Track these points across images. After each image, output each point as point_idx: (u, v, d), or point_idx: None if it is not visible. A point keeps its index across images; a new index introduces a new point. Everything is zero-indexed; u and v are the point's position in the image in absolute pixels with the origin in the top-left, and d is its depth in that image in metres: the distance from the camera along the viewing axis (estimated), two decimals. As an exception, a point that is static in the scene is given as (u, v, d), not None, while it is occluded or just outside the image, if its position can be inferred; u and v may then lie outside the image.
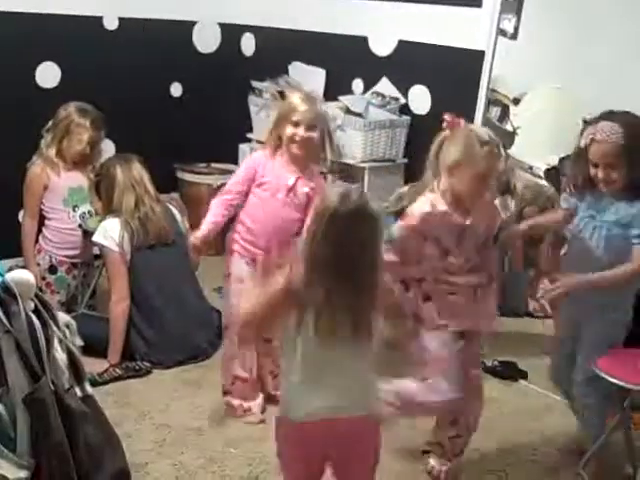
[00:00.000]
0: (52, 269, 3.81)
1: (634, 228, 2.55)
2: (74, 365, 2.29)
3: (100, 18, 4.51)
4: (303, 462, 2.08)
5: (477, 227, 2.62)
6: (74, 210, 3.83)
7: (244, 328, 2.22)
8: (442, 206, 2.55)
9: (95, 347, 3.26)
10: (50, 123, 3.77)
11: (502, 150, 2.56)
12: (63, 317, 2.32)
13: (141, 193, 3.59)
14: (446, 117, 2.61)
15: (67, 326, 2.27)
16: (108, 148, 4.59)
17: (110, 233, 3.48)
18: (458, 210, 2.57)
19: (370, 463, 2.12)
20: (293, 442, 2.07)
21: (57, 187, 3.78)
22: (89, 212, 3.86)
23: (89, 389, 2.33)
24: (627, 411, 2.64)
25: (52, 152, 3.75)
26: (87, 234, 3.74)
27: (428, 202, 2.56)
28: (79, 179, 3.85)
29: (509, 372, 3.63)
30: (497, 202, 4.35)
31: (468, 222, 2.59)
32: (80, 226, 3.82)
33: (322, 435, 2.02)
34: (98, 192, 3.69)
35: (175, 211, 3.76)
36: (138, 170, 3.62)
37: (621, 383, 2.44)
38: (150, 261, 3.54)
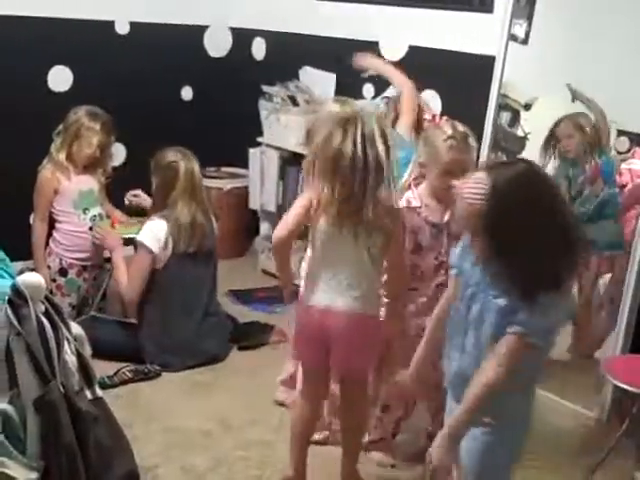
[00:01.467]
0: (62, 272, 3.82)
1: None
2: (84, 368, 2.29)
3: (112, 22, 4.54)
4: (307, 344, 2.51)
5: (456, 226, 2.63)
6: (84, 213, 3.84)
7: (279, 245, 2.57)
8: (416, 202, 2.65)
9: (105, 350, 3.27)
10: (60, 127, 3.79)
11: (470, 142, 2.61)
12: (74, 327, 2.32)
13: (199, 197, 3.56)
14: (427, 116, 2.67)
15: (75, 339, 2.27)
16: (119, 152, 4.62)
17: (157, 235, 3.44)
18: (436, 207, 2.64)
19: (368, 362, 2.51)
20: (302, 323, 2.52)
21: (67, 190, 3.79)
22: (99, 215, 3.88)
23: (99, 392, 2.34)
24: (636, 417, 2.63)
25: (62, 156, 3.76)
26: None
27: (405, 199, 2.66)
28: (90, 182, 3.87)
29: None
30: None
31: (445, 220, 2.65)
32: (91, 229, 3.83)
33: (320, 321, 2.43)
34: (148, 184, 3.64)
35: (214, 220, 3.71)
36: (198, 172, 3.58)
37: (630, 388, 2.43)
38: (183, 269, 3.52)
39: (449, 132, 2.58)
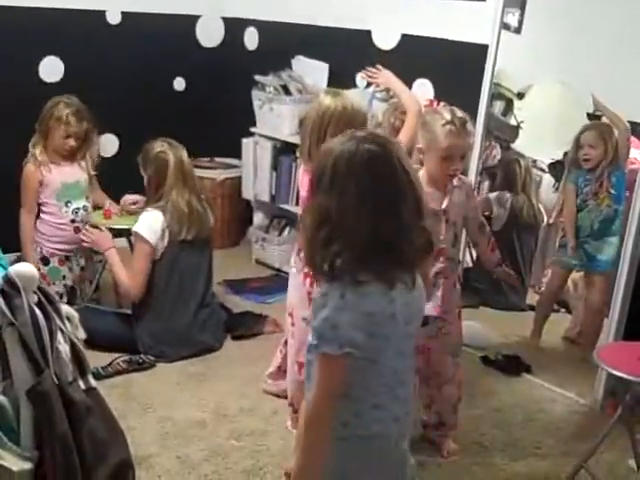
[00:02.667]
0: (44, 260, 3.81)
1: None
2: (78, 358, 2.28)
3: (103, 12, 4.52)
4: None
5: (453, 215, 2.69)
6: (66, 205, 3.82)
7: None
8: None
9: (99, 340, 3.27)
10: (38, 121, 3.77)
11: (468, 127, 2.62)
12: (65, 309, 2.31)
13: (191, 184, 3.56)
14: (425, 101, 2.66)
15: (68, 318, 2.26)
16: (111, 143, 4.62)
17: (153, 226, 3.44)
18: (435, 194, 2.64)
19: None
20: None
21: (51, 182, 3.78)
22: (84, 207, 3.87)
23: (93, 382, 2.33)
24: (629, 404, 2.63)
25: (39, 149, 3.75)
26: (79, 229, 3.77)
27: None
28: (76, 174, 3.85)
29: (512, 366, 3.62)
30: (492, 196, 4.40)
31: (443, 206, 2.66)
32: (73, 221, 3.81)
33: None
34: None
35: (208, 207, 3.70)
36: (187, 159, 3.57)
37: (623, 376, 2.43)
38: (180, 257, 3.51)
39: (448, 117, 2.58)
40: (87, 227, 3.75)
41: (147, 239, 3.44)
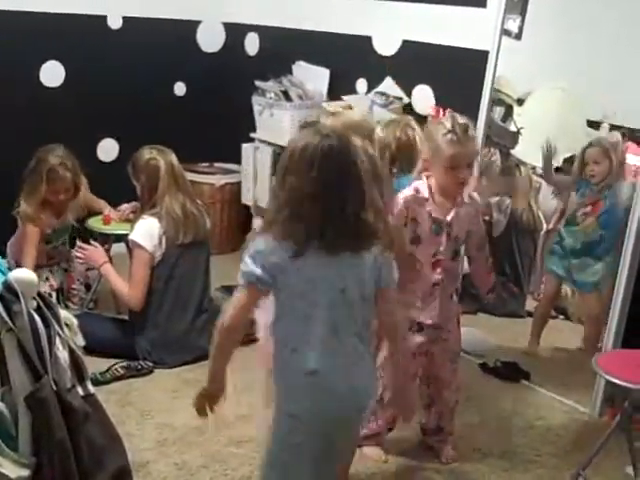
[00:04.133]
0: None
1: None
2: (76, 364, 2.29)
3: (104, 17, 4.53)
4: None
5: (456, 229, 2.67)
6: (47, 244, 3.85)
7: None
8: (424, 193, 2.65)
9: (98, 347, 3.26)
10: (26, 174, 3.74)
11: (470, 133, 2.59)
12: (64, 315, 2.32)
13: (184, 187, 3.56)
14: (430, 109, 2.66)
15: (67, 324, 2.27)
16: (111, 148, 4.62)
17: (150, 233, 3.44)
18: (442, 203, 2.63)
19: None
20: None
21: (44, 230, 3.81)
22: (63, 242, 3.93)
23: (91, 388, 2.33)
24: (627, 411, 2.63)
25: (32, 209, 3.72)
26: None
27: (413, 188, 2.66)
28: (67, 220, 3.90)
29: (511, 373, 3.62)
30: (492, 201, 4.40)
31: (448, 218, 2.64)
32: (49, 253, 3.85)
33: None
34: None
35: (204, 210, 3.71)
36: (177, 163, 3.57)
37: (621, 383, 2.43)
38: (177, 262, 3.51)
39: (448, 126, 2.56)
40: (80, 243, 3.75)
41: (144, 247, 3.44)
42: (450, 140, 2.54)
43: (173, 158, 3.55)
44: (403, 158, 2.99)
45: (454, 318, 2.85)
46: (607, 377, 2.47)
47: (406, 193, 2.66)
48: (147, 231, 3.45)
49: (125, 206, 3.97)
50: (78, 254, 3.70)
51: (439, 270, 2.67)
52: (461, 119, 2.61)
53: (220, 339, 2.07)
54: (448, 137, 2.54)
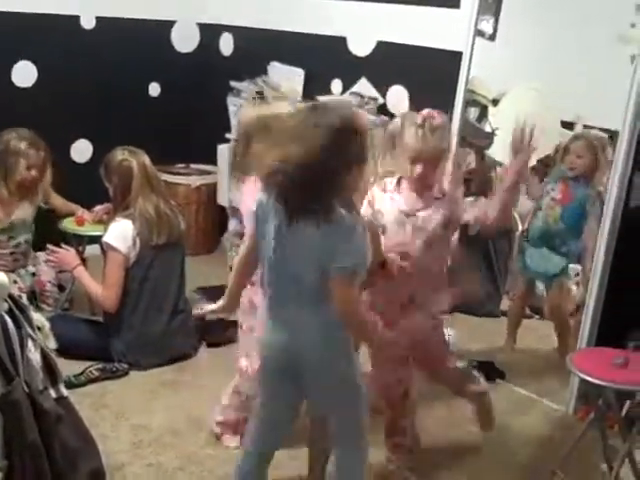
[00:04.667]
0: None
1: None
2: (49, 366, 2.27)
3: (77, 17, 4.49)
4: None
5: (421, 220, 2.65)
6: (8, 240, 3.79)
7: None
8: (390, 186, 2.67)
9: (72, 349, 3.26)
10: None
11: (438, 133, 2.58)
12: (36, 318, 2.30)
13: (157, 188, 3.53)
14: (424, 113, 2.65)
15: (39, 327, 2.24)
16: (85, 148, 4.59)
17: (124, 235, 3.41)
18: (409, 195, 2.63)
19: None
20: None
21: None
22: (26, 240, 3.86)
23: (64, 390, 2.32)
24: (601, 409, 2.65)
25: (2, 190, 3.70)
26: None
27: (382, 183, 2.68)
28: (25, 211, 3.83)
29: (486, 372, 3.63)
30: (467, 201, 4.40)
31: (417, 213, 2.63)
32: (13, 253, 3.80)
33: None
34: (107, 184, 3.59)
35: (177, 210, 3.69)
36: (150, 164, 3.55)
37: (594, 381, 2.45)
38: (152, 263, 3.49)
39: (419, 121, 2.57)
40: (51, 247, 3.70)
41: (118, 248, 3.42)
42: (415, 134, 2.56)
43: (146, 159, 3.53)
44: None
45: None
46: (581, 375, 2.49)
47: (376, 188, 2.70)
48: (121, 233, 3.43)
49: (98, 207, 3.94)
50: (50, 258, 3.66)
51: (404, 263, 2.67)
52: (437, 119, 2.62)
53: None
54: (413, 131, 2.57)
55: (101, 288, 3.46)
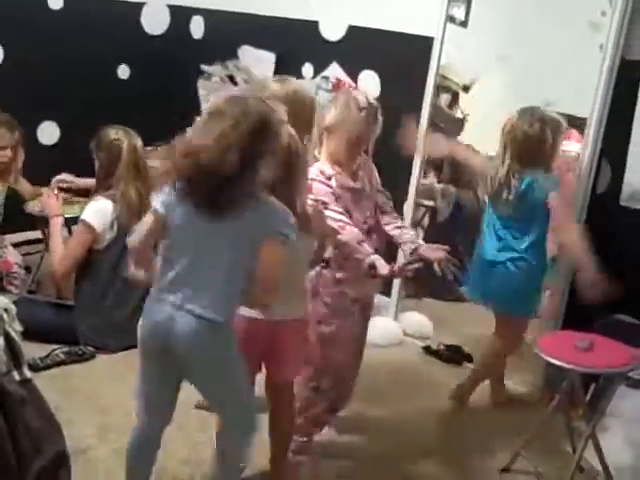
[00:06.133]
0: None
1: None
2: (12, 349, 2.24)
3: (45, -3, 4.42)
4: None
5: (368, 188, 2.69)
6: None
7: None
8: (329, 170, 2.62)
9: (38, 331, 3.21)
10: None
11: (379, 116, 2.63)
12: (1, 301, 2.26)
13: (143, 174, 3.48)
14: (332, 79, 2.66)
15: (5, 310, 2.21)
16: (52, 131, 4.52)
17: (102, 214, 3.37)
18: (344, 173, 2.63)
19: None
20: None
21: None
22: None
23: (28, 373, 2.28)
24: (566, 392, 2.68)
25: None
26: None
27: (317, 170, 2.60)
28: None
29: (454, 355, 3.67)
30: (437, 187, 4.43)
31: (357, 185, 2.65)
32: None
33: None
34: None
35: None
36: (141, 149, 3.51)
37: (559, 363, 2.47)
38: (127, 249, 3.45)
39: (364, 103, 2.59)
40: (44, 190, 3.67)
41: (92, 225, 3.38)
42: (365, 117, 2.58)
43: (138, 142, 3.50)
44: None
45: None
46: (546, 358, 2.51)
47: (318, 177, 2.59)
48: (99, 211, 3.39)
49: (66, 177, 3.87)
50: (38, 202, 3.65)
51: (373, 236, 2.67)
52: (372, 99, 2.66)
53: None
54: (363, 114, 2.58)
55: (60, 253, 3.42)
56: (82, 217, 3.41)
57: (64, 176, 3.82)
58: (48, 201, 3.57)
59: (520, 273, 3.00)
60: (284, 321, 2.35)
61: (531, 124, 2.97)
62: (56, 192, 3.66)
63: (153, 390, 2.34)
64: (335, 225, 2.49)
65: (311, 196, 2.46)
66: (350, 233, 2.51)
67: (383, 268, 2.47)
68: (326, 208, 2.50)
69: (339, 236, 2.51)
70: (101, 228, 3.38)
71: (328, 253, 2.56)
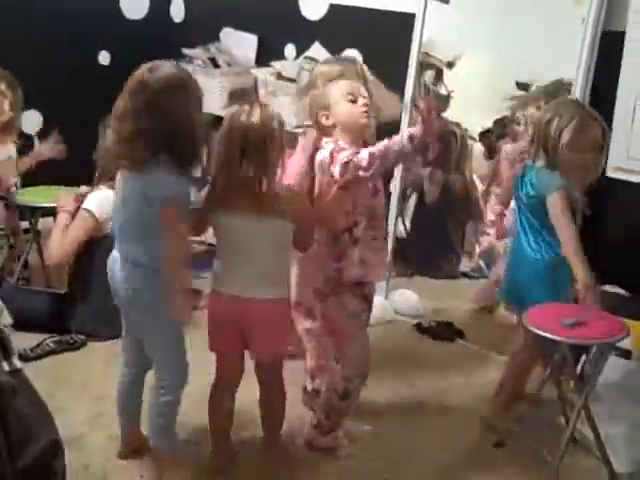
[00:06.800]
0: None
1: None
2: (1, 340, 2.23)
3: (23, -18, 4.37)
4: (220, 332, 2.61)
5: None
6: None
7: None
8: (345, 146, 2.51)
9: (28, 321, 3.19)
10: None
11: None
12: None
13: None
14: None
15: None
16: (34, 119, 4.48)
17: (104, 204, 3.30)
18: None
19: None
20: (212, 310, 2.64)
21: None
22: (15, 184, 3.76)
23: (18, 363, 2.26)
24: (557, 363, 2.69)
25: None
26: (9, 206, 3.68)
27: (335, 147, 2.51)
28: (8, 149, 3.74)
29: (445, 332, 3.67)
30: (424, 172, 4.42)
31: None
32: (3, 198, 3.70)
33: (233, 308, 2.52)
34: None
35: None
36: None
37: (549, 335, 2.47)
38: None
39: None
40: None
41: (94, 212, 3.35)
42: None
43: None
44: None
45: None
46: (535, 330, 2.51)
47: (342, 156, 2.47)
48: (101, 200, 3.35)
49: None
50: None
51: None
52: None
53: None
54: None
55: (58, 239, 3.39)
56: (85, 206, 3.39)
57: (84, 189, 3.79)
58: (66, 196, 3.53)
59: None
60: (255, 299, 2.44)
61: None
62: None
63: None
64: (365, 154, 2.42)
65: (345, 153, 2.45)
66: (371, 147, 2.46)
67: (417, 127, 2.42)
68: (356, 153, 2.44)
69: (369, 155, 2.42)
70: (103, 217, 3.37)
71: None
